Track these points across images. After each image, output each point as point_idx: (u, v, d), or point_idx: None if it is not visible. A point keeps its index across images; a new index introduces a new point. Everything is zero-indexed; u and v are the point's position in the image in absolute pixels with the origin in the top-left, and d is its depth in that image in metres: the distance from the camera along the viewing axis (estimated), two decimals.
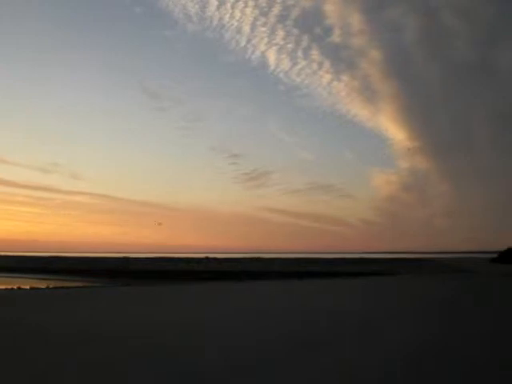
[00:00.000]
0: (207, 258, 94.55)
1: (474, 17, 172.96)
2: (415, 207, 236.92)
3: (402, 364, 8.66)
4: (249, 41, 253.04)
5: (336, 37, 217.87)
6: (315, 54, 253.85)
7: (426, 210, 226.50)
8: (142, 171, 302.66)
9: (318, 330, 12.90)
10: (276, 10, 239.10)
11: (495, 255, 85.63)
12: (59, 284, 40.41)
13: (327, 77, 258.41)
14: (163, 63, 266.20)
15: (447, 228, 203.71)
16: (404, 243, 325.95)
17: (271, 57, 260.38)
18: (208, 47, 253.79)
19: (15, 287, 35.05)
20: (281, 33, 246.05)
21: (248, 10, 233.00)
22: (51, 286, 36.35)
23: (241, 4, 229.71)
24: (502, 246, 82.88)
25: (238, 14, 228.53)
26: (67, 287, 35.08)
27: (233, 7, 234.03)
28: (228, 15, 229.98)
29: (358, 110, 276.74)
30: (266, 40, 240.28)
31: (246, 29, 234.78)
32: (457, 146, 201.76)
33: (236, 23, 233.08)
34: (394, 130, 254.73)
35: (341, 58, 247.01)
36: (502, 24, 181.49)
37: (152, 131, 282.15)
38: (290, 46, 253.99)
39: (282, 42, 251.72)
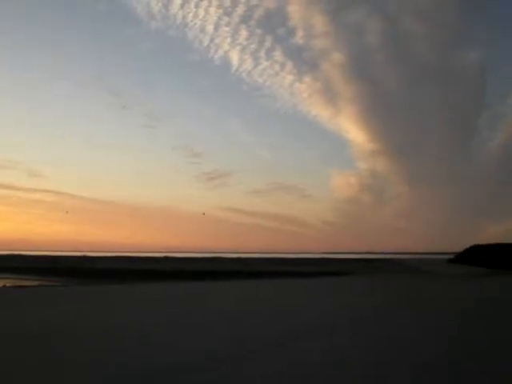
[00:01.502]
0: (166, 258, 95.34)
1: (434, 20, 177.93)
2: (375, 208, 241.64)
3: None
4: (212, 40, 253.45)
5: (299, 38, 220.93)
6: (278, 54, 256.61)
7: (385, 212, 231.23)
8: (103, 169, 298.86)
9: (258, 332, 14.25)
10: (240, 10, 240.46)
11: (452, 256, 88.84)
12: (17, 283, 40.89)
13: (289, 78, 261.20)
14: (126, 61, 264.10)
15: (406, 229, 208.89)
16: (364, 244, 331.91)
17: (234, 57, 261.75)
18: (171, 46, 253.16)
19: None
20: (244, 33, 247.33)
21: (212, 10, 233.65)
22: (8, 285, 37.02)
23: (205, 3, 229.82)
24: (460, 248, 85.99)
25: (201, 12, 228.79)
26: (24, 286, 35.79)
27: (196, 6, 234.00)
28: (191, 14, 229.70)
29: (320, 112, 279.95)
30: (229, 40, 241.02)
31: (210, 28, 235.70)
32: (416, 148, 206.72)
33: (199, 22, 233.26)
34: (354, 132, 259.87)
35: (303, 60, 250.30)
36: (462, 28, 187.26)
37: (114, 129, 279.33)
38: (253, 46, 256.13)
39: (245, 42, 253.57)
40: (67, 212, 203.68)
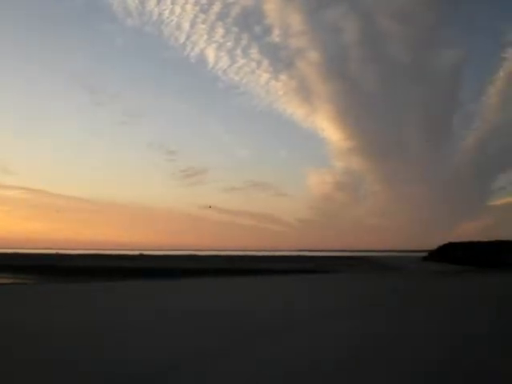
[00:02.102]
0: (141, 255, 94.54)
1: (410, 20, 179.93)
2: (350, 206, 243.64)
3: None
4: (188, 37, 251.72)
5: (275, 36, 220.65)
6: (254, 52, 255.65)
7: (360, 209, 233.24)
8: (77, 166, 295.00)
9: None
10: (216, 7, 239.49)
11: (426, 254, 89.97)
12: None
13: (265, 76, 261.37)
14: (102, 57, 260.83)
15: (381, 227, 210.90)
16: (340, 241, 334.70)
17: (210, 54, 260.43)
18: (147, 43, 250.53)
19: None
20: (220, 30, 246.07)
21: (188, 7, 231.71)
22: None
23: (181, 0, 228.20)
24: (434, 245, 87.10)
25: (178, 9, 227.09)
26: None
27: (173, 3, 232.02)
28: (168, 11, 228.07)
29: (295, 110, 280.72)
30: (205, 37, 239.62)
31: (186, 25, 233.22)
32: (391, 147, 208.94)
33: (176, 19, 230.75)
34: (330, 130, 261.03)
35: (279, 58, 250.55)
36: (436, 27, 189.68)
37: (89, 126, 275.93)
38: (229, 44, 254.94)
39: (221, 40, 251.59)
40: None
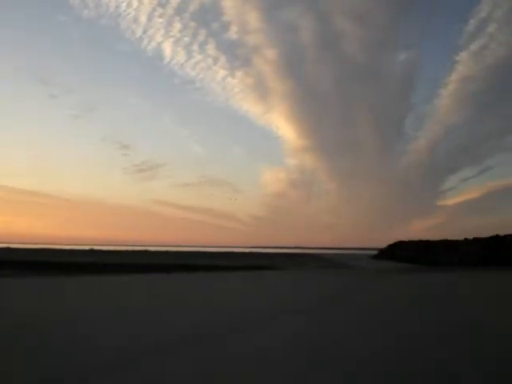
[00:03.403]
0: (92, 250, 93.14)
1: (365, 21, 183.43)
2: (303, 204, 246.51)
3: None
4: (145, 31, 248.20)
5: (232, 33, 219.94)
6: (211, 48, 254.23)
7: (313, 207, 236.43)
8: (29, 159, 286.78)
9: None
10: (174, 2, 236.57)
11: (376, 252, 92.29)
12: None
13: (222, 72, 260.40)
14: (55, 49, 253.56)
15: (333, 225, 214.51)
16: (292, 239, 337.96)
17: (167, 49, 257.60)
18: (103, 35, 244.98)
19: None
20: (178, 25, 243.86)
21: (146, 0, 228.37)
22: None
23: None
24: (384, 244, 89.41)
25: (135, 2, 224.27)
26: None
27: None
28: (125, 3, 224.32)
29: (251, 107, 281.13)
30: (162, 31, 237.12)
31: (143, 19, 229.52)
32: (344, 146, 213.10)
33: (133, 12, 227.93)
34: (285, 128, 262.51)
35: (236, 55, 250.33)
36: (392, 30, 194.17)
37: (42, 118, 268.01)
38: (186, 39, 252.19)
39: (178, 35, 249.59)
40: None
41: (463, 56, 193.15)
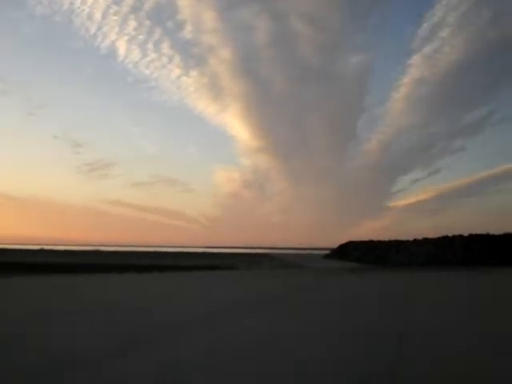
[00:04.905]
0: (42, 250, 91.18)
1: (320, 23, 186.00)
2: (256, 204, 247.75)
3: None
4: (99, 28, 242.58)
5: (187, 32, 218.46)
6: (166, 47, 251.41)
7: (266, 207, 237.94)
8: None
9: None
10: (129, 0, 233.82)
11: (328, 252, 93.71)
12: None
13: (176, 71, 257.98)
14: (6, 45, 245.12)
15: (286, 225, 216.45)
16: (245, 239, 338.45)
17: (121, 47, 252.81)
18: (56, 32, 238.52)
19: None
20: (133, 23, 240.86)
21: None
22: None
23: None
24: (336, 244, 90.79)
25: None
26: None
27: None
28: (79, 0, 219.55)
29: (205, 107, 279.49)
30: (117, 29, 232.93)
31: (98, 16, 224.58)
32: (297, 146, 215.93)
33: (87, 9, 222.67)
34: (238, 128, 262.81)
35: (191, 54, 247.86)
36: (346, 32, 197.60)
37: None
38: (141, 37, 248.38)
39: (133, 33, 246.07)
40: None
41: (416, 59, 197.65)
